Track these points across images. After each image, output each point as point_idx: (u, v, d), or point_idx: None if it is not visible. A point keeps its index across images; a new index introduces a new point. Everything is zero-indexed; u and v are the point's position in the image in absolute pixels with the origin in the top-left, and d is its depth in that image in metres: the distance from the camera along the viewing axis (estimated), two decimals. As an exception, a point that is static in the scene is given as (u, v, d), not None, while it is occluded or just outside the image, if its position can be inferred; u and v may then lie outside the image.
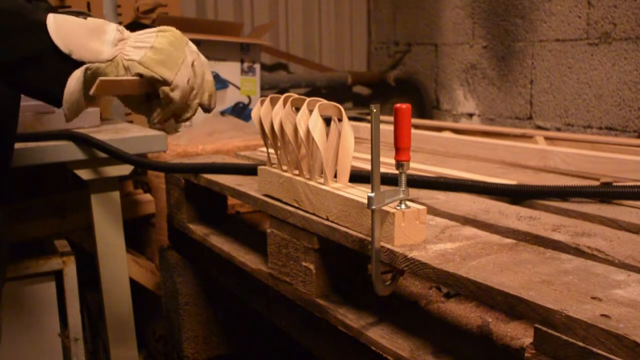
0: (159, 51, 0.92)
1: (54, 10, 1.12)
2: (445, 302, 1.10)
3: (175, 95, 0.93)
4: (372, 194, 0.85)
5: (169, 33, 0.95)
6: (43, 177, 2.05)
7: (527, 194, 1.19)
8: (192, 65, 0.96)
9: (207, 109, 1.03)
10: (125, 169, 1.71)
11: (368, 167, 1.37)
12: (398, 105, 0.87)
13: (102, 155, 1.62)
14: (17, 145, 1.50)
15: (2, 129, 1.08)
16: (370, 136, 0.85)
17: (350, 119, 1.11)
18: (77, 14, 1.16)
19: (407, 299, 1.12)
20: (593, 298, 0.68)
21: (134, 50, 0.92)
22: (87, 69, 0.90)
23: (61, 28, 0.89)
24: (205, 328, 1.77)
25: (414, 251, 0.86)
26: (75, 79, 0.90)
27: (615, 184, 1.24)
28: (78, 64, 0.90)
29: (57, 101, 0.92)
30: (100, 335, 2.05)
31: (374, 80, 3.48)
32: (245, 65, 2.64)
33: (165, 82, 0.92)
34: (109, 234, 1.76)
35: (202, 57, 1.01)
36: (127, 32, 0.94)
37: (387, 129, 1.45)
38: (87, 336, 2.03)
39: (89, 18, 0.92)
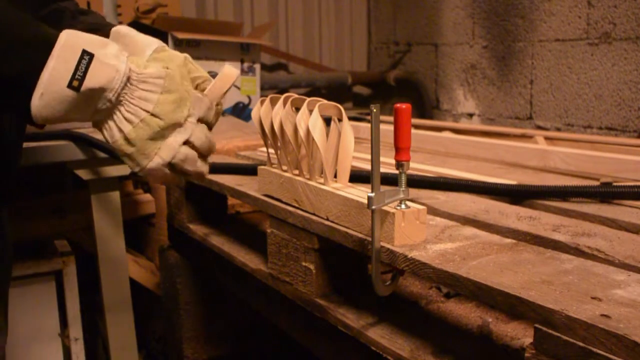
0: (131, 144, 0.87)
1: (51, 17, 1.11)
2: (445, 302, 1.10)
3: (144, 176, 0.92)
4: (372, 194, 0.85)
5: (157, 121, 0.86)
6: (43, 177, 2.05)
7: (527, 194, 1.19)
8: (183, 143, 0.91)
9: None
10: (125, 169, 1.71)
11: (368, 167, 1.37)
12: (398, 105, 0.87)
13: (102, 155, 1.62)
14: (17, 145, 1.50)
15: (14, 129, 1.08)
16: (370, 136, 0.85)
17: (350, 119, 1.11)
18: (78, 14, 1.15)
19: (407, 299, 1.12)
20: (593, 298, 0.68)
21: (112, 128, 0.86)
22: None
23: (45, 105, 0.81)
24: (205, 328, 1.77)
25: (414, 251, 0.86)
26: None
27: (615, 184, 1.24)
28: None
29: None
30: (100, 335, 2.05)
31: (374, 80, 3.48)
32: (245, 65, 2.64)
33: (131, 169, 0.91)
34: (109, 234, 1.76)
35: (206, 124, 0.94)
36: (124, 93, 0.85)
37: (387, 129, 1.45)
38: (87, 336, 2.03)
39: (84, 86, 0.81)
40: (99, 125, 0.88)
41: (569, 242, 0.92)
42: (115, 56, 0.84)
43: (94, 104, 0.84)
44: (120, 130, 0.86)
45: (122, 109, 0.85)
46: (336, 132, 1.00)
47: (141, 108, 0.86)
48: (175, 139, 0.90)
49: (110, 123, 0.86)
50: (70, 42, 0.81)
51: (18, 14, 0.81)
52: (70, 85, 0.80)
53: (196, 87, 0.95)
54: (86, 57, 0.81)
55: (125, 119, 0.86)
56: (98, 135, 1.64)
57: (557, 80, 2.58)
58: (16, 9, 0.82)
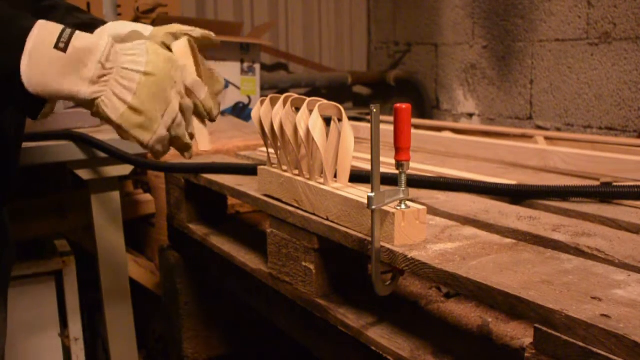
0: (138, 111, 0.85)
1: (44, 12, 1.10)
2: (445, 302, 1.10)
3: (151, 148, 0.90)
4: (372, 194, 0.85)
5: (153, 79, 0.85)
6: (43, 177, 2.05)
7: (527, 194, 1.19)
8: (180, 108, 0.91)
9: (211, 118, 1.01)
10: (125, 169, 1.71)
11: (368, 167, 1.37)
12: (398, 105, 0.87)
13: (102, 155, 1.62)
14: (17, 145, 1.50)
15: (13, 129, 1.08)
16: (370, 136, 0.85)
17: (350, 119, 1.11)
18: (72, 10, 1.15)
19: (407, 299, 1.12)
20: (593, 298, 0.68)
21: (113, 101, 0.84)
22: None
23: (34, 67, 0.79)
24: (205, 328, 1.77)
25: (414, 251, 0.86)
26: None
27: (615, 184, 1.24)
28: None
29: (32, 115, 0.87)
30: (101, 335, 2.05)
31: (374, 80, 3.48)
32: (245, 65, 2.64)
33: (141, 142, 0.88)
34: (109, 234, 1.76)
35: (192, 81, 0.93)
36: (112, 59, 0.83)
37: (387, 129, 1.45)
38: (87, 336, 2.03)
39: (70, 46, 0.80)
40: (98, 107, 0.84)
41: (569, 242, 0.92)
42: (96, 34, 0.85)
43: (85, 70, 0.81)
44: (124, 102, 0.84)
45: (117, 77, 0.84)
46: (336, 132, 1.00)
47: (134, 70, 0.84)
48: (175, 103, 0.89)
49: (110, 96, 0.84)
50: (49, 24, 0.82)
51: None
52: (57, 47, 0.80)
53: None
54: (68, 31, 0.82)
55: (124, 87, 0.84)
56: (98, 135, 1.64)
57: (557, 80, 2.58)
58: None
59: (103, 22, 1.08)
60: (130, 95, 0.84)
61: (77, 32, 0.82)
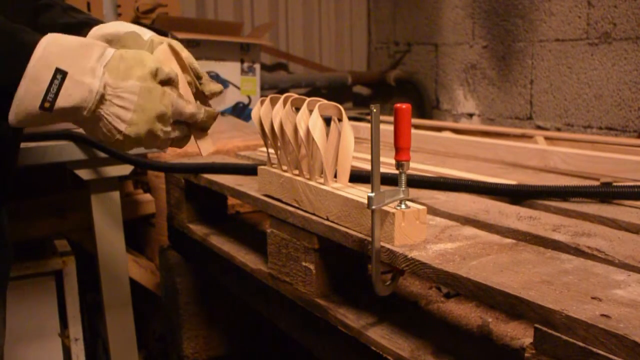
0: (128, 139, 0.88)
1: (41, 10, 1.11)
2: (445, 302, 1.10)
3: None
4: (372, 194, 0.85)
5: (132, 139, 0.87)
6: (43, 177, 2.05)
7: (527, 194, 1.19)
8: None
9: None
10: (125, 169, 1.71)
11: (368, 167, 1.37)
12: (398, 105, 0.87)
13: (102, 155, 1.62)
14: (17, 145, 1.50)
15: (12, 129, 1.08)
16: (370, 136, 0.85)
17: (350, 119, 1.10)
18: (68, 9, 1.15)
19: (407, 299, 1.12)
20: (593, 298, 0.68)
21: (93, 134, 0.89)
22: None
23: (21, 123, 0.81)
24: (205, 328, 1.77)
25: (414, 251, 0.86)
26: None
27: (615, 184, 1.24)
28: None
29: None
30: (100, 335, 2.05)
31: (374, 80, 3.48)
32: (245, 65, 2.65)
33: None
34: (109, 234, 1.76)
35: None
36: (99, 106, 0.84)
37: (387, 129, 1.45)
38: (87, 336, 2.03)
39: (56, 106, 0.81)
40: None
41: (569, 242, 0.92)
42: (91, 70, 0.83)
43: (70, 119, 0.85)
44: (102, 139, 0.89)
45: (100, 123, 0.86)
46: (336, 132, 1.00)
47: (115, 128, 0.86)
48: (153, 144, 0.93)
49: (94, 128, 0.88)
50: (46, 58, 0.80)
51: None
52: (42, 107, 0.80)
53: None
54: (59, 77, 0.80)
55: (103, 133, 0.87)
56: (98, 135, 1.64)
57: (557, 80, 2.58)
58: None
59: (99, 22, 1.07)
60: (110, 140, 0.89)
61: (67, 81, 0.80)
